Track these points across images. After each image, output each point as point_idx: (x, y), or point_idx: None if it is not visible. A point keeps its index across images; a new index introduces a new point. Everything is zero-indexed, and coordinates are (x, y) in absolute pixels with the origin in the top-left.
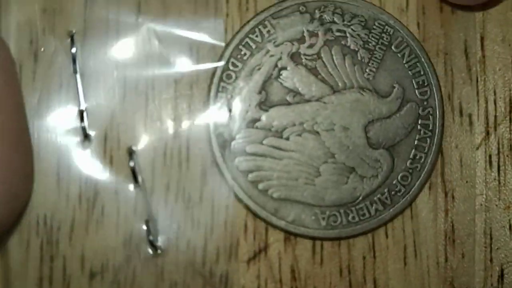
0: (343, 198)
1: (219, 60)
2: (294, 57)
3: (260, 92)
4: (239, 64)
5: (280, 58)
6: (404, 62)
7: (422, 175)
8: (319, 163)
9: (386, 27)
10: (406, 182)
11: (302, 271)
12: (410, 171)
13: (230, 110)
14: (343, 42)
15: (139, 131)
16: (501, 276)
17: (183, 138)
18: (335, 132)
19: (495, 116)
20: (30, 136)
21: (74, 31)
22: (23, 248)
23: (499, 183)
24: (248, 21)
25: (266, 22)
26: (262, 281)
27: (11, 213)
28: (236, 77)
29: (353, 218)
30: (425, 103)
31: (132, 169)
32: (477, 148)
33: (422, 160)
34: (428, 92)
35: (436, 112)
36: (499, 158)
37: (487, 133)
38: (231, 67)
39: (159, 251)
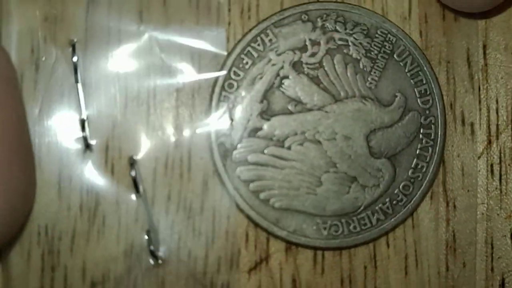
0: (345, 207)
1: (221, 69)
2: (296, 66)
3: (261, 101)
4: (241, 73)
5: (282, 67)
6: (406, 70)
7: (424, 184)
8: (321, 173)
9: (389, 35)
10: (407, 191)
11: (303, 281)
12: (412, 180)
13: (231, 119)
14: (345, 51)
15: (140, 140)
16: (502, 285)
17: (184, 147)
18: (337, 142)
19: (497, 125)
20: (32, 147)
21: (75, 40)
22: (24, 258)
23: (501, 192)
24: (250, 30)
25: (268, 31)
26: None
27: (13, 224)
28: (238, 86)
29: (355, 227)
30: (427, 112)
31: (134, 178)
32: (479, 157)
33: (424, 169)
34: (430, 101)
35: (438, 121)
36: (500, 167)
37: (489, 142)
38: (233, 76)
39: (160, 261)
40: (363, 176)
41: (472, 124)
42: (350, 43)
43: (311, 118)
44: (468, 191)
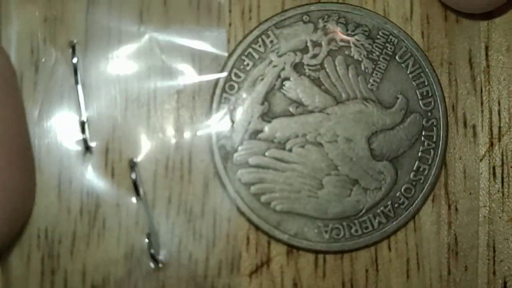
0: (346, 211)
1: (222, 70)
2: (297, 67)
3: (262, 103)
4: (242, 75)
5: (283, 69)
6: (408, 72)
7: (426, 187)
8: (322, 175)
9: (390, 36)
10: (409, 194)
11: (304, 284)
12: (414, 183)
13: (232, 121)
14: (346, 52)
15: (140, 142)
16: None
17: (185, 150)
18: (338, 144)
19: (499, 127)
20: (31, 148)
21: (75, 41)
22: (24, 262)
23: (503, 195)
24: (251, 31)
25: (269, 32)
26: None
27: (13, 225)
28: (239, 88)
29: (356, 231)
30: (429, 114)
31: (134, 181)
32: (481, 160)
33: (426, 172)
34: (432, 103)
35: (440, 123)
36: (503, 170)
37: (491, 144)
38: (233, 78)
39: (160, 265)
40: (365, 179)
41: (474, 126)
42: (351, 45)
43: (312, 120)
44: (470, 193)
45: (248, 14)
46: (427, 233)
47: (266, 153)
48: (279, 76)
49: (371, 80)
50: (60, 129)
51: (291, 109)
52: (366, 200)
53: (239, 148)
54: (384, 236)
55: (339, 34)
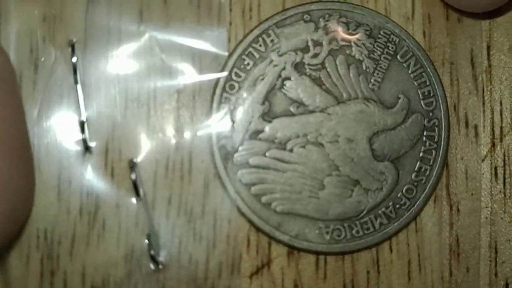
0: (347, 211)
1: (222, 70)
2: (298, 67)
3: (263, 103)
4: (243, 74)
5: (284, 68)
6: (409, 72)
7: (427, 188)
8: (323, 176)
9: (392, 36)
10: (411, 195)
11: (305, 286)
12: (415, 184)
13: (233, 121)
14: (347, 52)
15: (140, 142)
16: None
17: (185, 150)
18: (339, 144)
19: (501, 128)
20: (31, 148)
21: (74, 40)
22: (23, 262)
23: (505, 195)
24: (252, 30)
25: (270, 31)
26: None
27: (13, 225)
28: (239, 88)
29: (357, 232)
30: (430, 114)
31: (134, 182)
32: (483, 160)
33: (427, 172)
34: (434, 103)
35: (441, 124)
36: (504, 170)
37: (493, 144)
38: (234, 77)
39: (160, 266)
40: (366, 180)
41: (476, 127)
42: (352, 44)
43: (313, 120)
44: (471, 194)
45: (249, 13)
46: (428, 234)
47: (267, 154)
48: (279, 75)
49: (372, 80)
50: (59, 128)
51: (292, 109)
52: (367, 200)
53: (240, 148)
54: (385, 237)
55: (340, 33)
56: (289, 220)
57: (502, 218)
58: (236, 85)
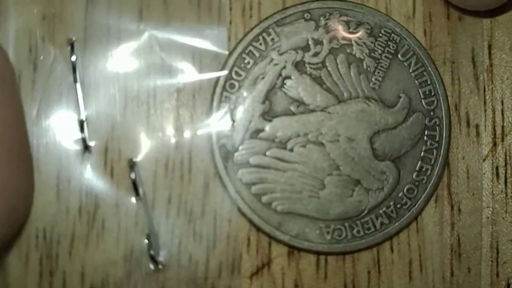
0: (348, 211)
1: (222, 68)
2: (299, 66)
3: (263, 102)
4: (243, 73)
5: (284, 67)
6: (410, 71)
7: (428, 187)
8: (324, 175)
9: (393, 34)
10: (412, 194)
11: (306, 286)
12: (416, 183)
13: (233, 120)
14: (348, 50)
15: (140, 142)
16: None
17: (185, 149)
18: (340, 143)
19: (503, 127)
20: (30, 148)
21: (74, 39)
22: (22, 262)
23: (506, 195)
24: (252, 29)
25: (270, 30)
26: None
27: (12, 225)
28: (240, 87)
29: (358, 232)
30: (431, 113)
31: (133, 181)
32: (484, 160)
33: (429, 172)
34: (435, 102)
35: (443, 123)
36: (506, 170)
37: (494, 144)
38: (234, 76)
39: (160, 266)
40: (367, 179)
41: (477, 126)
42: (353, 43)
43: (314, 119)
44: (473, 194)
45: (249, 11)
46: (430, 234)
47: (267, 153)
48: (280, 74)
49: (373, 79)
50: (58, 128)
51: (292, 108)
52: (368, 200)
53: (240, 147)
54: (386, 237)
55: (341, 32)
56: (289, 219)
57: (503, 218)
58: (236, 84)
